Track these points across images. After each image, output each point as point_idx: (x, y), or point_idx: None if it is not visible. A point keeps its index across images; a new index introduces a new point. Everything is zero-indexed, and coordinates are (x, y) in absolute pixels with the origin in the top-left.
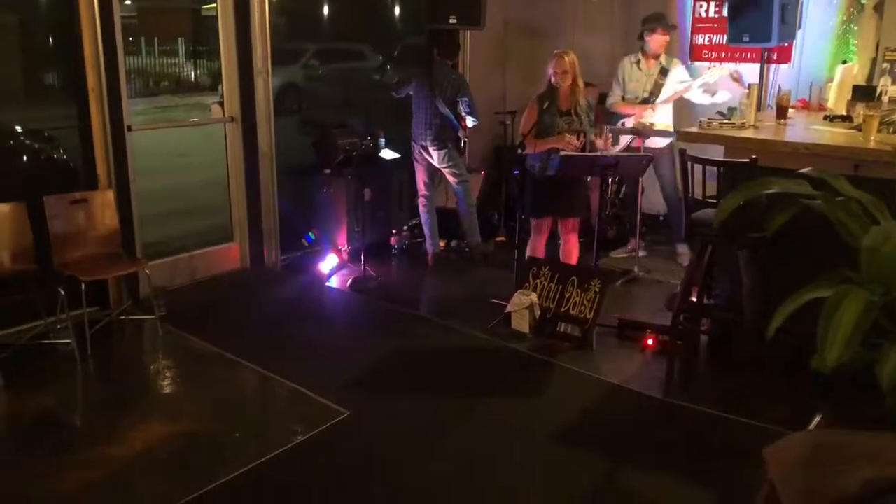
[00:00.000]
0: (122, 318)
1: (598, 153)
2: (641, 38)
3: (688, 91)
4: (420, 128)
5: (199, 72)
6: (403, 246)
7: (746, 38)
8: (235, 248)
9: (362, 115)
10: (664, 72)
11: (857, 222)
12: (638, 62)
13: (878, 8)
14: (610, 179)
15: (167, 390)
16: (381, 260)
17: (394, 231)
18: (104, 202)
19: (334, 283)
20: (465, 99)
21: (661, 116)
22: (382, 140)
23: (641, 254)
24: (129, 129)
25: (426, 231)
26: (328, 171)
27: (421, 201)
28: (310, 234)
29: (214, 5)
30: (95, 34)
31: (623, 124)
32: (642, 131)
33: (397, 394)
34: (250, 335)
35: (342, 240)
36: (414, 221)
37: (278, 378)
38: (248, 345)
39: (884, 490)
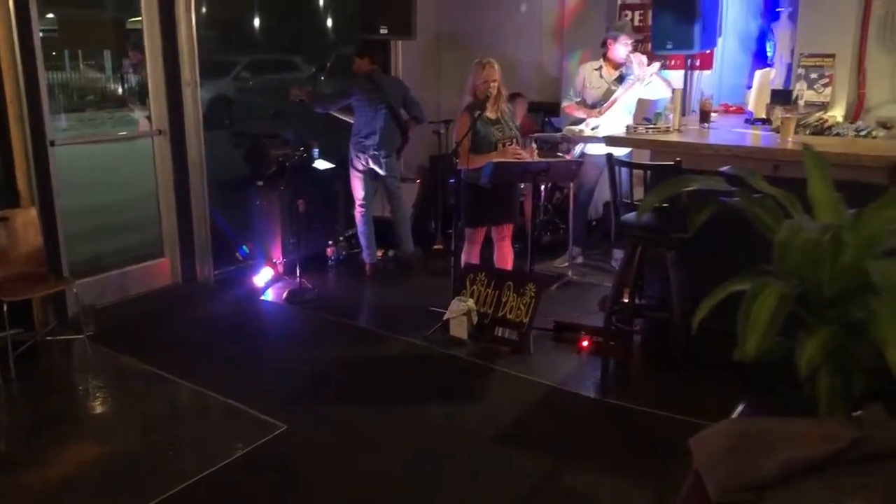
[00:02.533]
0: (49, 338)
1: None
2: (604, 45)
3: (630, 90)
4: (365, 137)
5: (126, 85)
6: (340, 257)
7: (670, 46)
8: (167, 264)
9: (296, 125)
10: (620, 79)
11: (773, 217)
12: (600, 69)
13: (793, 16)
14: (543, 185)
15: (97, 411)
16: (318, 271)
17: (330, 242)
18: (26, 220)
19: (270, 296)
20: (412, 100)
21: (617, 122)
22: (316, 151)
23: (579, 259)
24: (52, 143)
25: (363, 241)
26: (261, 182)
27: (359, 211)
28: (244, 247)
29: (140, 18)
30: (13, 46)
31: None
32: (572, 138)
33: (336, 405)
34: (183, 352)
35: (277, 252)
36: (351, 232)
37: (213, 394)
38: (181, 361)
39: (801, 470)
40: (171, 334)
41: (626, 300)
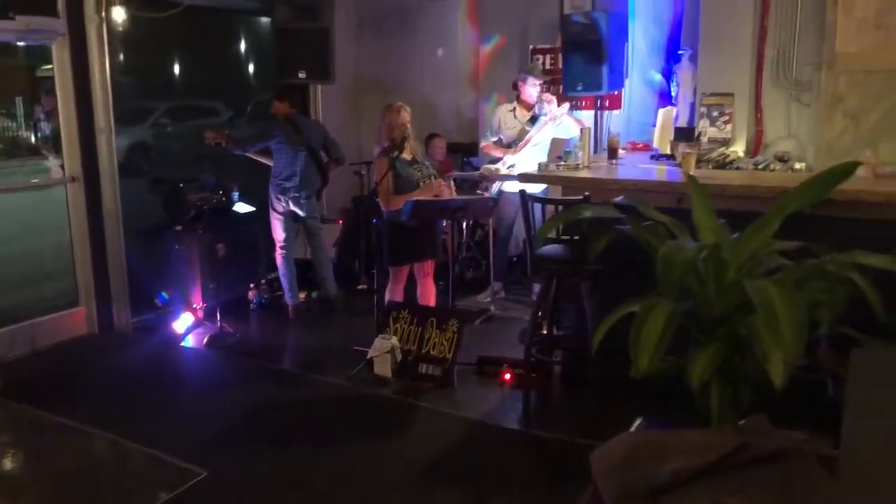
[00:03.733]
0: None
1: (448, 197)
2: (515, 87)
3: (543, 130)
4: (286, 179)
5: (39, 133)
6: (262, 300)
7: (580, 88)
8: (82, 313)
9: (215, 170)
10: (533, 120)
11: (661, 242)
12: (514, 110)
13: (693, 58)
14: (465, 223)
15: (6, 467)
16: (240, 316)
17: (252, 285)
18: None
19: (190, 342)
20: (332, 142)
21: (532, 161)
22: (236, 194)
23: (501, 294)
24: None
25: (285, 283)
26: (179, 227)
27: (280, 253)
28: (163, 293)
29: (51, 66)
30: None
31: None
32: (489, 176)
33: (258, 449)
34: (99, 402)
35: (197, 297)
36: (273, 275)
37: (132, 444)
38: (97, 412)
39: (691, 477)
40: (86, 385)
41: (545, 332)
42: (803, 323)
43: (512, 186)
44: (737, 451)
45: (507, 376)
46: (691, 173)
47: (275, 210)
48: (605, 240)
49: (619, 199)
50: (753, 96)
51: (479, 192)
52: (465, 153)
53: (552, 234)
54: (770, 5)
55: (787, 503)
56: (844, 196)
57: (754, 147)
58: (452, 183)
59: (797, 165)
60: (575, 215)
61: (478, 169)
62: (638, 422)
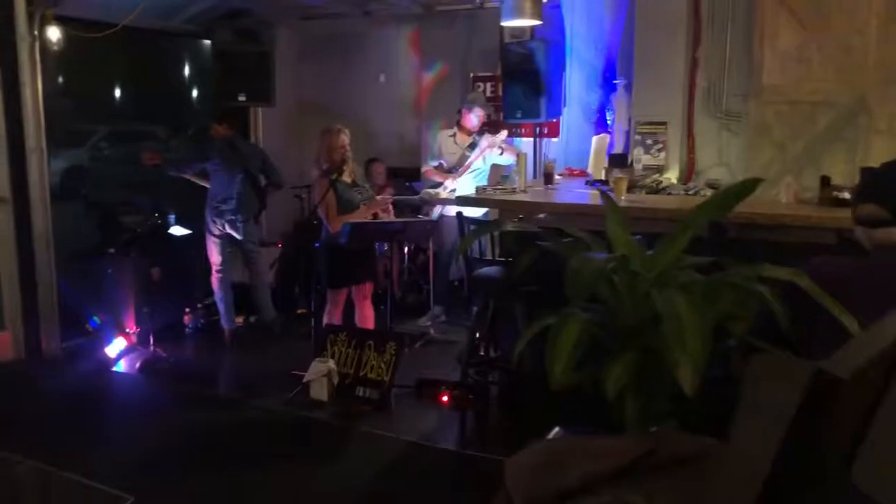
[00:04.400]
0: None
1: (386, 220)
2: (459, 113)
3: (482, 156)
4: (222, 202)
5: None
6: (199, 324)
7: (519, 115)
8: (7, 337)
9: (152, 193)
10: (472, 146)
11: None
12: (454, 136)
13: (628, 88)
14: (407, 248)
15: None
16: (175, 340)
17: (188, 309)
18: None
19: (122, 367)
20: (271, 165)
21: (472, 186)
22: (172, 217)
23: (442, 318)
24: None
25: (221, 307)
26: (112, 251)
27: (216, 277)
28: (94, 318)
29: None
30: None
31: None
32: (430, 200)
33: (190, 474)
34: (24, 429)
35: (130, 322)
36: (210, 299)
37: (58, 471)
38: (21, 440)
39: (600, 481)
40: (11, 411)
41: (483, 353)
42: (708, 333)
43: (453, 210)
44: (646, 455)
45: (445, 398)
46: (623, 198)
47: (211, 233)
48: (528, 257)
49: (542, 216)
50: (686, 125)
51: (419, 216)
52: (406, 178)
53: (489, 256)
54: (701, 38)
55: (691, 502)
56: (769, 220)
57: (687, 174)
58: (391, 206)
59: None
60: (493, 228)
61: (419, 193)
62: (555, 430)
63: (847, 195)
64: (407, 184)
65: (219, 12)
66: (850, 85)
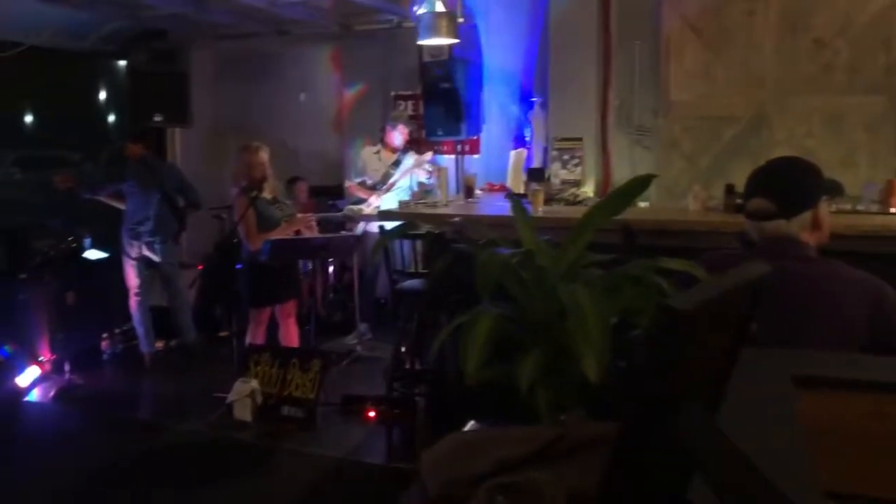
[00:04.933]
0: None
1: (308, 236)
2: (382, 130)
3: (407, 176)
4: (139, 223)
5: None
6: (117, 350)
7: (441, 133)
8: None
9: (67, 216)
10: (396, 163)
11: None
12: (378, 153)
13: (545, 105)
14: (332, 266)
15: None
16: (92, 367)
17: (105, 335)
18: None
19: (35, 396)
20: (189, 185)
21: (395, 203)
22: (88, 240)
23: (368, 336)
24: None
25: (140, 331)
26: (24, 276)
27: (134, 300)
28: (4, 347)
29: None
30: None
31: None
32: (353, 217)
33: (112, 501)
34: None
35: (44, 349)
36: (128, 324)
37: None
38: None
39: (512, 466)
40: None
41: (409, 366)
42: (609, 325)
43: (376, 227)
44: (555, 440)
45: (372, 413)
46: (541, 209)
47: (128, 255)
48: (446, 259)
49: (455, 219)
50: (600, 141)
51: (343, 232)
52: (329, 196)
53: (412, 269)
54: (612, 56)
55: (583, 484)
56: (680, 226)
57: (603, 187)
58: (313, 223)
59: (641, 204)
60: (410, 229)
61: (340, 210)
62: (471, 423)
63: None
64: (330, 202)
65: (133, 33)
66: (751, 100)
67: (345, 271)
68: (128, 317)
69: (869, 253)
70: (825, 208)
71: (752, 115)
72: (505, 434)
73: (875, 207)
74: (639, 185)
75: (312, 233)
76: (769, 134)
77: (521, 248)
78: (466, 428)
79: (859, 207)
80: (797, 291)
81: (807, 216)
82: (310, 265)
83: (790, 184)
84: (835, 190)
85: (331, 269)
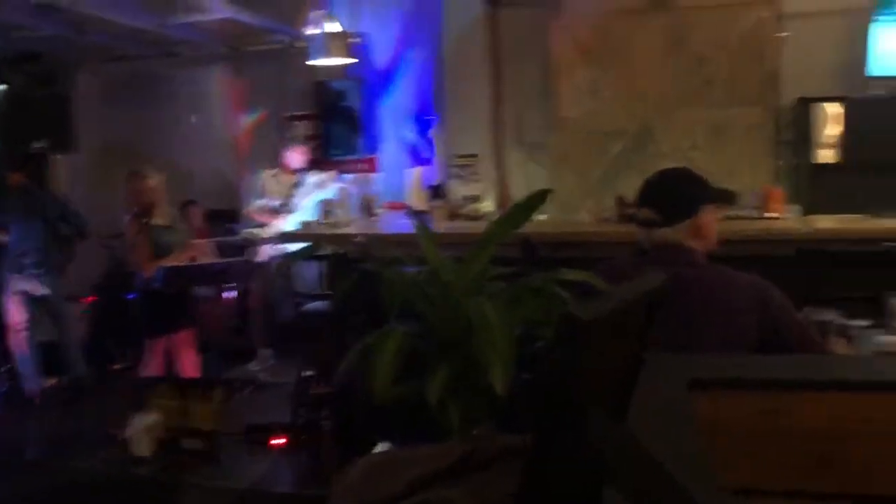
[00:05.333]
0: None
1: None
2: (280, 153)
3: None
4: (22, 255)
5: None
6: (2, 389)
7: (338, 152)
8: None
9: None
10: (298, 185)
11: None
12: (276, 175)
13: (442, 122)
14: (234, 290)
15: None
16: None
17: None
18: None
19: None
20: (74, 213)
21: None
22: None
23: (272, 361)
24: None
25: (27, 369)
26: None
27: (21, 336)
28: None
29: None
30: None
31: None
32: (252, 240)
33: None
34: None
35: None
36: (7, 365)
37: None
38: None
39: (423, 485)
40: None
41: (315, 391)
42: (514, 336)
43: (279, 251)
44: (466, 456)
45: (277, 441)
46: (443, 225)
47: (11, 290)
48: (351, 280)
49: (359, 238)
50: (496, 157)
51: (243, 257)
52: (226, 219)
53: (316, 291)
54: (503, 74)
55: (496, 496)
56: (576, 238)
57: (502, 202)
58: (209, 248)
59: (539, 217)
60: (315, 250)
61: (237, 234)
62: (381, 444)
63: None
64: (227, 225)
65: (11, 54)
66: (637, 115)
67: (245, 296)
68: (6, 356)
69: (752, 256)
70: (710, 216)
71: (638, 129)
72: (415, 453)
73: (755, 213)
74: (537, 198)
75: (209, 258)
76: (655, 147)
77: (426, 265)
78: (377, 449)
79: (742, 213)
80: (689, 297)
81: (689, 224)
82: (208, 291)
83: (671, 193)
84: (727, 198)
85: (230, 294)
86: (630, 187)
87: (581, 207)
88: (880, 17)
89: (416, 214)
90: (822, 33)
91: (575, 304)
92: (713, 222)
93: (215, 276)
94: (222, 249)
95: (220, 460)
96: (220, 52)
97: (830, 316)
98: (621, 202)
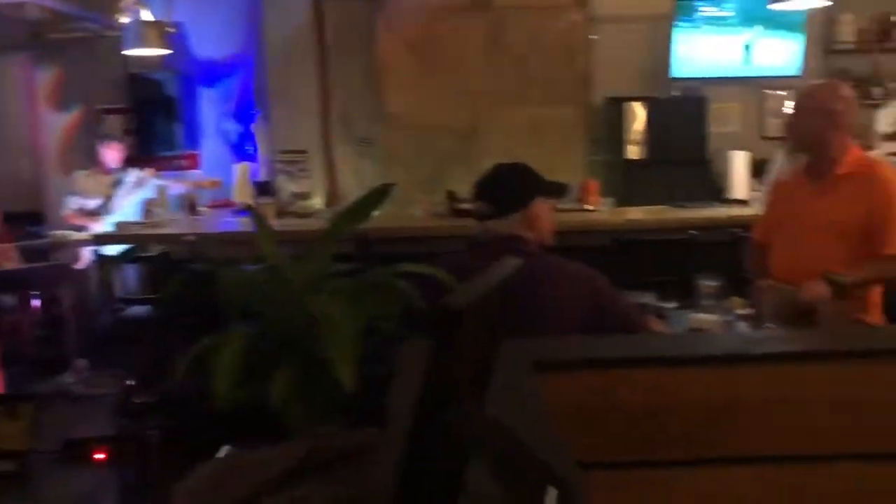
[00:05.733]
0: None
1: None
2: (96, 152)
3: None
4: None
5: None
6: None
7: (156, 148)
8: None
9: None
10: (116, 184)
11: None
12: (92, 175)
13: (267, 117)
14: (41, 299)
15: None
16: None
17: None
18: None
19: None
20: None
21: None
22: None
23: (87, 372)
24: None
25: None
26: None
27: None
28: None
29: None
30: None
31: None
32: (63, 242)
33: None
34: None
35: None
36: None
37: None
38: None
39: (271, 486)
40: None
41: (141, 399)
42: (359, 330)
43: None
44: (314, 454)
45: (99, 456)
46: (273, 223)
47: None
48: (176, 283)
49: (187, 238)
50: (325, 152)
51: (51, 260)
52: (27, 222)
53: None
54: (329, 68)
55: (352, 491)
56: (411, 233)
57: (332, 199)
58: (13, 254)
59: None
60: (138, 251)
61: (41, 237)
62: (224, 449)
63: (470, 206)
64: (29, 228)
65: None
66: (463, 112)
67: (52, 303)
68: None
69: (573, 246)
70: (543, 208)
71: (464, 126)
72: (261, 455)
73: (575, 206)
74: (380, 193)
75: (12, 264)
76: (481, 144)
77: (262, 263)
78: (220, 455)
79: (563, 206)
80: (524, 286)
81: (521, 215)
82: (11, 300)
83: (505, 187)
84: (558, 191)
85: (37, 302)
86: (460, 182)
87: (413, 203)
88: (679, 24)
89: (255, 211)
90: (629, 37)
91: (417, 298)
92: (547, 214)
93: (18, 283)
94: (26, 254)
95: (35, 481)
96: (20, 40)
97: (647, 299)
98: (452, 197)
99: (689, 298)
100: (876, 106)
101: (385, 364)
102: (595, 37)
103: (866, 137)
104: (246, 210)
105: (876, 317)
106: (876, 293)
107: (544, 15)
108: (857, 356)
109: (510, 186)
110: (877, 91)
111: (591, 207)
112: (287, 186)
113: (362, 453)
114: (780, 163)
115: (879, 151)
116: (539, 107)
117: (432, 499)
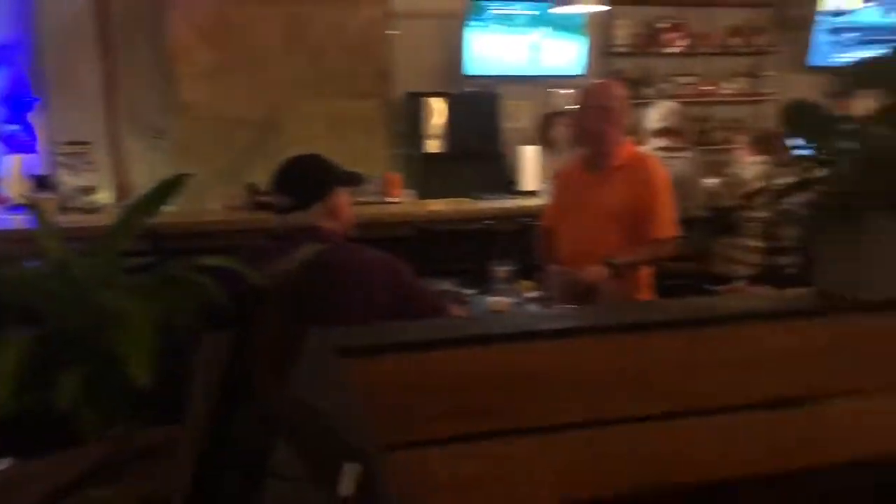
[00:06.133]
0: None
1: None
2: None
3: None
4: None
5: None
6: None
7: None
8: None
9: None
10: None
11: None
12: None
13: (44, 105)
14: None
15: None
16: None
17: None
18: None
19: None
20: None
21: None
22: None
23: None
24: None
25: None
26: None
27: None
28: None
29: None
30: None
31: None
32: None
33: None
34: None
35: None
36: None
37: None
38: None
39: (63, 492)
40: None
41: None
42: (155, 325)
43: None
44: (110, 455)
45: None
46: (55, 219)
47: None
48: None
49: None
50: (112, 144)
51: None
52: None
53: None
54: (115, 54)
55: (152, 489)
56: (207, 227)
57: (122, 193)
58: None
59: (169, 207)
60: None
61: None
62: (6, 461)
63: (270, 199)
64: None
65: None
66: (262, 103)
67: None
68: None
69: (377, 237)
70: (342, 197)
71: (264, 118)
72: (50, 462)
73: (378, 198)
74: (171, 185)
75: None
76: (281, 136)
77: (43, 260)
78: (1, 467)
79: (366, 199)
80: (328, 275)
81: (321, 206)
82: None
83: (303, 178)
84: (355, 180)
85: None
86: (260, 175)
87: (209, 196)
88: (471, 23)
89: (29, 208)
90: (426, 33)
91: (216, 290)
92: (347, 203)
93: None
94: None
95: None
96: None
97: (447, 286)
98: (252, 190)
99: (486, 284)
100: (646, 105)
101: (183, 359)
102: (394, 32)
103: (637, 133)
104: (22, 206)
105: (647, 294)
106: (647, 273)
107: (343, 7)
108: (632, 328)
109: (308, 178)
110: (648, 91)
111: (393, 199)
112: (69, 180)
113: (162, 450)
114: (563, 155)
115: (649, 146)
116: (340, 100)
117: (235, 485)
